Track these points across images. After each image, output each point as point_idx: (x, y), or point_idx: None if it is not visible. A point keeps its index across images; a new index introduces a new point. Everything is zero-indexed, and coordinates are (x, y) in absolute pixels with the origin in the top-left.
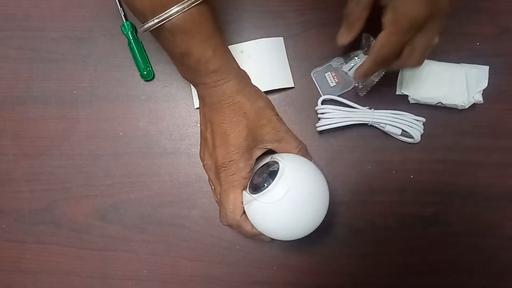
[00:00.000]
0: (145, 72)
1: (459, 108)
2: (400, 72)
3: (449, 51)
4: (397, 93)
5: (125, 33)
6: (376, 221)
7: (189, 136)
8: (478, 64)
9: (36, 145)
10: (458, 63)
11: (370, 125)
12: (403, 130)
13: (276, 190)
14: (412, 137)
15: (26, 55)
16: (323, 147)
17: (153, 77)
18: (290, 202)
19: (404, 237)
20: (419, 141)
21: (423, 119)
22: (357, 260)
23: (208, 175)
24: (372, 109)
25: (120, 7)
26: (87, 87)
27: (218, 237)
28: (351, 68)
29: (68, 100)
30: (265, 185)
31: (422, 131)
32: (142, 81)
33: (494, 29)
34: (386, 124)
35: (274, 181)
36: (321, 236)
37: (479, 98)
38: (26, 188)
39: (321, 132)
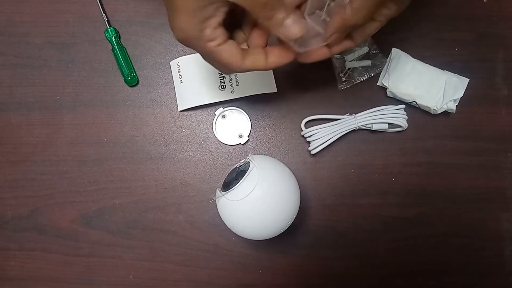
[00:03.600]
0: (129, 78)
1: (432, 112)
2: (386, 64)
3: (428, 56)
4: (378, 83)
5: (108, 38)
6: (360, 223)
7: (174, 141)
8: (456, 69)
9: (20, 152)
10: (437, 68)
11: (358, 129)
12: (389, 123)
13: (242, 188)
14: (400, 126)
15: (8, 61)
16: (307, 150)
17: (137, 83)
18: (255, 201)
19: (387, 238)
20: (403, 141)
21: (403, 106)
22: (341, 262)
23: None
24: (353, 114)
25: (104, 12)
26: (71, 93)
27: (204, 241)
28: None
29: (52, 106)
30: (234, 183)
31: (407, 117)
32: (126, 86)
33: (472, 35)
34: (372, 123)
35: (241, 180)
36: (306, 238)
37: (452, 106)
38: (9, 194)
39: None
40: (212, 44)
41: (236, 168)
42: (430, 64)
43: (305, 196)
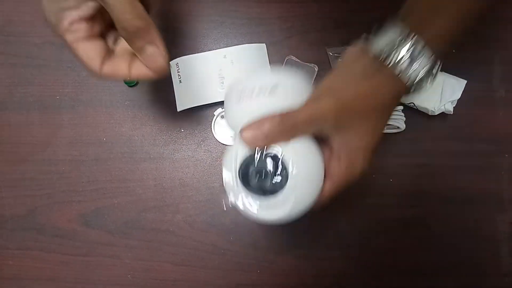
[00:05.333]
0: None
1: (429, 113)
2: None
3: None
4: None
5: None
6: (357, 224)
7: (172, 141)
8: (454, 70)
9: (19, 151)
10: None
11: None
12: (387, 124)
13: (274, 200)
14: (398, 127)
15: (8, 61)
16: None
17: (137, 83)
18: (286, 201)
19: (385, 239)
20: (402, 139)
21: (401, 107)
22: (339, 262)
23: None
24: None
25: None
26: (70, 93)
27: (202, 241)
28: None
29: (51, 106)
30: (263, 189)
31: (404, 118)
32: (125, 86)
33: (469, 37)
34: None
35: (277, 194)
36: (303, 239)
37: (449, 108)
38: (8, 194)
39: None
40: (69, 37)
41: (253, 157)
42: None
43: None
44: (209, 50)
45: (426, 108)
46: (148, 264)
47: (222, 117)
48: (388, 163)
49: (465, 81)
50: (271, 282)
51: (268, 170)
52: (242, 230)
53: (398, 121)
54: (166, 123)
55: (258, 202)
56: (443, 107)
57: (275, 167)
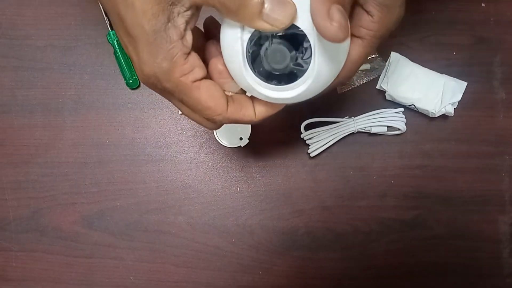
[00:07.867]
0: (131, 81)
1: (430, 115)
2: (385, 68)
3: (426, 60)
4: (377, 87)
5: (110, 42)
6: (358, 225)
7: (174, 144)
8: (455, 72)
9: (22, 153)
10: (436, 71)
11: (357, 132)
12: (388, 126)
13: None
14: (398, 129)
15: (11, 63)
16: (306, 153)
17: (139, 86)
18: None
19: (386, 240)
20: (402, 143)
21: (402, 109)
22: (340, 264)
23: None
24: (352, 117)
25: (106, 16)
26: (73, 95)
27: (204, 243)
28: None
29: (54, 108)
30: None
31: (405, 120)
32: (127, 89)
33: (470, 39)
34: (370, 126)
35: (302, 78)
36: (305, 240)
37: (450, 110)
38: (11, 196)
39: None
40: (190, 77)
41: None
42: (428, 68)
43: (304, 198)
44: None
45: (426, 110)
46: (150, 265)
47: None
48: (389, 164)
49: (466, 83)
50: (273, 284)
51: (287, 50)
52: (244, 232)
53: (398, 123)
54: (168, 126)
55: (270, 86)
56: (443, 109)
57: (297, 45)
